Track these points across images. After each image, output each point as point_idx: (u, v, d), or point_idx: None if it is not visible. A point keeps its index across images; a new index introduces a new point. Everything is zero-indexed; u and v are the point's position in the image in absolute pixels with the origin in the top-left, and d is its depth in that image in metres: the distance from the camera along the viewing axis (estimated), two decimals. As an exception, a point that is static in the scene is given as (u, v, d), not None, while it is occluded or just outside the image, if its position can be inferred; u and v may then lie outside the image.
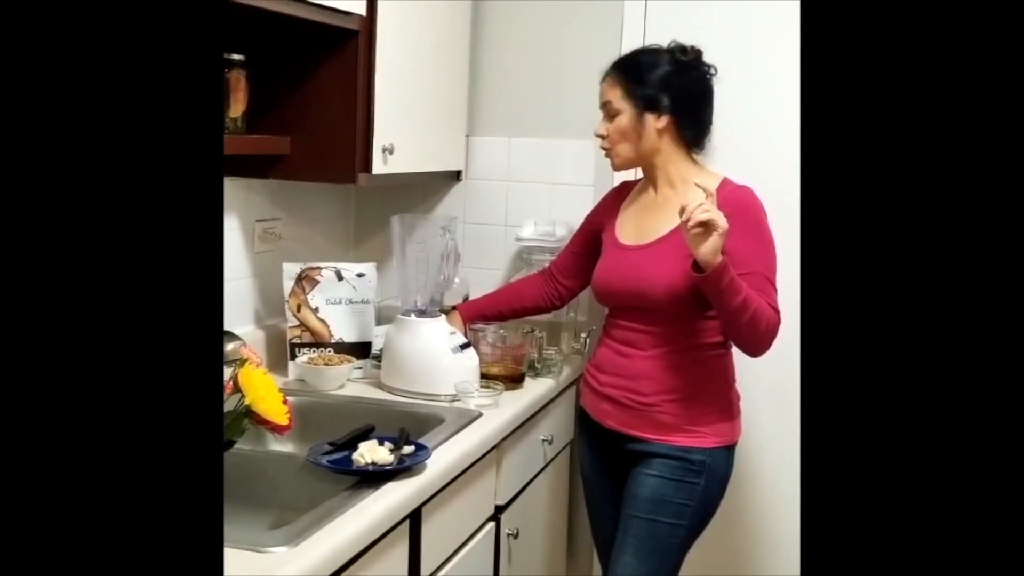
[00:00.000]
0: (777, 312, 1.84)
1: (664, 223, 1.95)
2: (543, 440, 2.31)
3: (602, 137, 2.02)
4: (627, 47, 2.47)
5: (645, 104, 1.94)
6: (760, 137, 2.45)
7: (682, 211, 1.72)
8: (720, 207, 1.73)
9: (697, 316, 1.91)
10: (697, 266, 1.74)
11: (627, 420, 1.97)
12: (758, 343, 1.86)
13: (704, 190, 1.76)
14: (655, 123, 1.95)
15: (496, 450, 1.99)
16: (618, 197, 2.16)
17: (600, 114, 2.04)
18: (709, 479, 1.93)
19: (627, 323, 1.98)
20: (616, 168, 2.07)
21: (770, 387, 2.43)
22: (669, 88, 1.94)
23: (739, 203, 1.87)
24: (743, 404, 2.05)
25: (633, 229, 2.03)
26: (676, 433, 1.92)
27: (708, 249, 1.70)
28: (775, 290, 1.87)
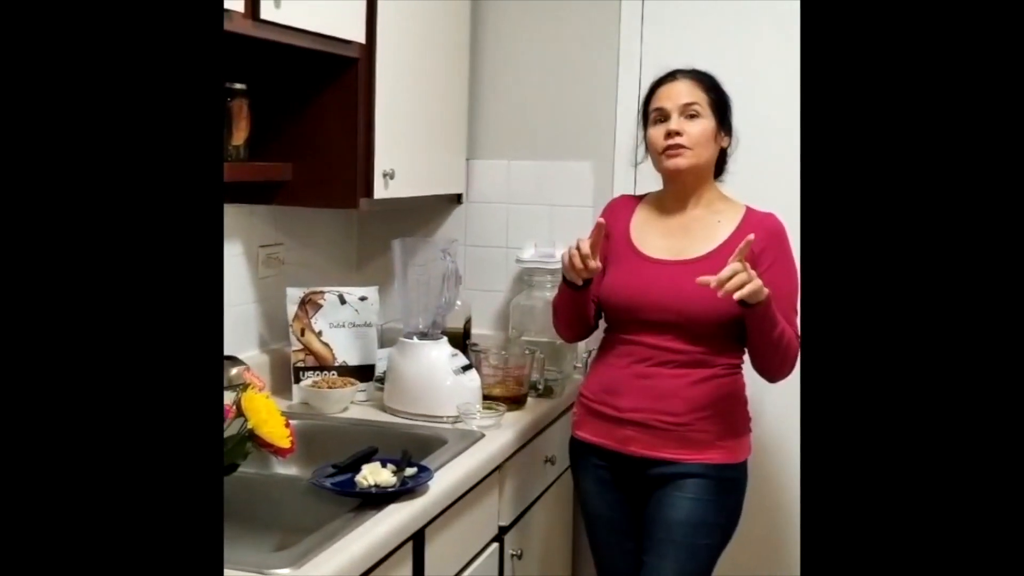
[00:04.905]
0: (799, 339, 1.85)
1: (702, 242, 1.93)
2: (546, 460, 2.32)
3: (678, 134, 1.91)
4: (624, 71, 2.51)
5: (722, 120, 1.96)
6: (760, 140, 2.46)
7: (729, 276, 1.71)
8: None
9: (728, 337, 1.91)
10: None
11: (656, 443, 1.90)
12: (782, 370, 1.89)
13: (740, 262, 1.72)
14: (721, 142, 1.97)
15: (499, 471, 2.00)
16: (628, 207, 2.07)
17: (670, 112, 1.93)
18: (740, 494, 1.95)
19: (650, 339, 1.91)
20: (680, 168, 1.92)
21: (774, 399, 2.43)
22: (731, 112, 1.98)
23: (770, 233, 1.89)
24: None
25: (664, 243, 1.96)
26: (709, 450, 1.89)
27: (750, 298, 1.72)
28: (798, 316, 1.88)
